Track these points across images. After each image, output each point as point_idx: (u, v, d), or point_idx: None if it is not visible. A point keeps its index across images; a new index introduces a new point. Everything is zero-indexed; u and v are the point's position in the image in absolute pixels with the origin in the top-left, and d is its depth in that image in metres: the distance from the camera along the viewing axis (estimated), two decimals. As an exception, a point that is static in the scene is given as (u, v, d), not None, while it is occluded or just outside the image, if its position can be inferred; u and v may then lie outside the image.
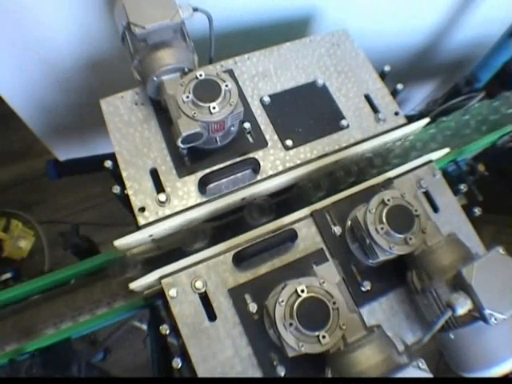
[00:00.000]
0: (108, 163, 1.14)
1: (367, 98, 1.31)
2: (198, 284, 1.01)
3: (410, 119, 1.28)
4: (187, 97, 1.03)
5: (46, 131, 1.95)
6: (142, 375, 2.43)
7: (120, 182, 1.13)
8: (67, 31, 1.44)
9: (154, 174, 1.14)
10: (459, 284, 0.89)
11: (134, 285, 1.03)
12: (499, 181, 2.28)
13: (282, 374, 0.94)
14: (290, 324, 0.84)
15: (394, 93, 1.33)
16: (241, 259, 1.02)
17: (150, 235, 1.07)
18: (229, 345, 0.98)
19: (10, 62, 1.51)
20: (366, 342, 0.84)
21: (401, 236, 0.96)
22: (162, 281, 1.01)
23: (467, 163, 1.58)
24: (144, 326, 2.45)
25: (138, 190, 1.11)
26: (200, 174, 1.13)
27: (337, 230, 1.09)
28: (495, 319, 0.84)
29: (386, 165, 1.26)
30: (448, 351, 0.98)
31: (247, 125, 1.20)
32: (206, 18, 1.19)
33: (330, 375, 0.87)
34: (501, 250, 0.91)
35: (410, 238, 0.96)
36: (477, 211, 1.22)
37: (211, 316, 1.00)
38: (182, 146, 1.07)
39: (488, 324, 0.84)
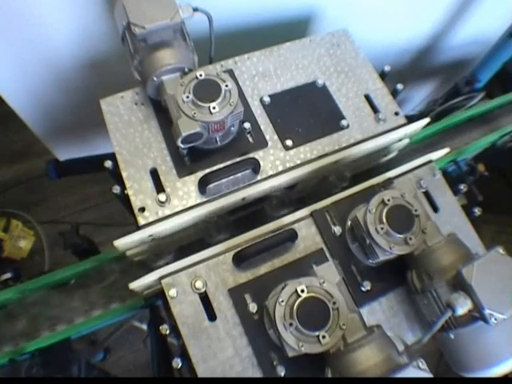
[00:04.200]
0: (108, 163, 1.14)
1: (367, 98, 1.31)
2: (198, 284, 1.01)
3: (410, 119, 1.28)
4: (187, 97, 1.03)
5: (45, 131, 1.95)
6: (142, 375, 2.44)
7: (120, 182, 1.13)
8: (67, 31, 1.44)
9: (154, 173, 1.14)
10: (459, 284, 0.89)
11: (134, 285, 1.03)
12: (499, 181, 2.29)
13: (282, 374, 0.94)
14: (290, 324, 0.84)
15: (394, 93, 1.33)
16: (241, 259, 1.02)
17: (150, 235, 1.07)
18: (229, 345, 0.98)
19: (10, 62, 1.51)
20: (366, 342, 0.84)
21: (401, 236, 0.96)
22: (162, 281, 1.01)
23: (467, 163, 1.58)
24: (144, 326, 2.46)
25: (138, 190, 1.11)
26: (200, 173, 1.13)
27: (337, 230, 1.10)
28: (495, 319, 0.84)
29: (395, 161, 1.27)
30: (448, 351, 0.98)
31: (247, 125, 1.20)
32: (206, 18, 1.19)
33: (329, 375, 0.87)
34: (501, 249, 0.91)
35: (410, 238, 0.96)
36: (477, 211, 1.23)
37: (211, 316, 1.00)
38: (182, 146, 1.07)
39: (488, 324, 0.84)
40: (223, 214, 1.17)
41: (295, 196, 1.22)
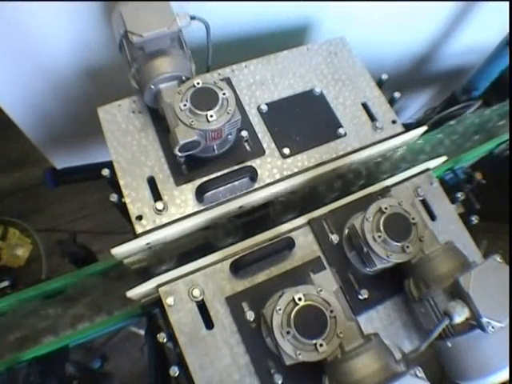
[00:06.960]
0: (105, 171, 1.14)
1: (364, 106, 1.31)
2: (196, 292, 1.01)
3: (408, 127, 1.28)
4: (184, 105, 1.03)
5: (43, 139, 1.95)
6: (139, 383, 2.43)
7: (117, 190, 1.13)
8: (65, 40, 1.44)
9: (152, 182, 1.14)
10: (456, 292, 0.89)
11: (132, 293, 1.02)
12: (496, 189, 2.29)
13: (280, 382, 0.94)
14: (288, 332, 0.84)
15: (392, 101, 1.33)
16: (238, 267, 1.02)
17: (147, 243, 1.07)
18: (226, 353, 0.98)
19: (7, 72, 1.51)
20: (364, 350, 0.84)
21: (398, 244, 0.96)
22: (160, 289, 1.01)
23: (464, 171, 1.58)
24: (141, 331, 2.44)
25: (136, 199, 1.11)
26: (197, 182, 1.13)
27: (334, 238, 1.09)
28: (492, 327, 0.84)
29: (394, 169, 1.27)
30: (445, 359, 0.98)
31: (244, 133, 1.20)
32: (204, 26, 1.19)
33: (327, 383, 0.87)
34: (498, 258, 0.91)
35: (408, 246, 0.96)
36: (474, 219, 1.23)
37: (208, 324, 1.00)
38: (180, 154, 1.07)
39: (485, 332, 0.84)
40: (224, 221, 1.17)
41: (296, 203, 1.22)
